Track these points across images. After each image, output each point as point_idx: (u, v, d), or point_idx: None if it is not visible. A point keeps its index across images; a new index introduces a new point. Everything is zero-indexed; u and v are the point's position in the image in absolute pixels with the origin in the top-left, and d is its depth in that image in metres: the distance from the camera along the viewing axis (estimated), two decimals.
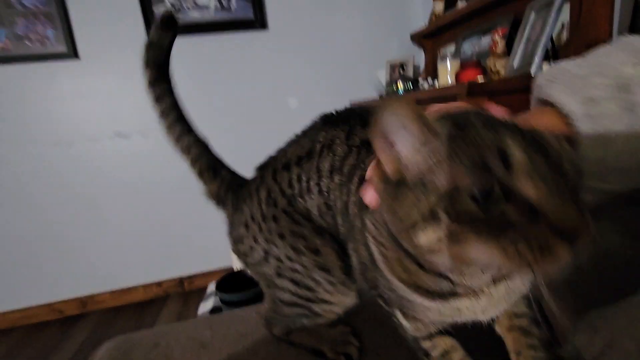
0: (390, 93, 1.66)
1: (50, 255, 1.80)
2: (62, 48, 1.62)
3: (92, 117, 1.75)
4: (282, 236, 0.45)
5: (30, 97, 1.66)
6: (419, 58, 2.04)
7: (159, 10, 1.69)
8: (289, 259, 0.45)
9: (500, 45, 1.30)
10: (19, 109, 1.66)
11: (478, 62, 1.26)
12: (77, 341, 1.66)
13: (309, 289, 0.46)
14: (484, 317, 0.33)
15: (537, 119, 0.36)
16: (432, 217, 0.24)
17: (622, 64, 0.34)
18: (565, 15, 1.19)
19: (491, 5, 1.41)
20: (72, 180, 1.77)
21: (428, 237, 0.25)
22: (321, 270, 0.45)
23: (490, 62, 1.33)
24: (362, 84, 2.03)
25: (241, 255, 0.51)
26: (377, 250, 0.34)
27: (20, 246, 1.76)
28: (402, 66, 1.87)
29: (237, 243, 0.51)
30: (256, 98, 1.89)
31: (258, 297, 1.24)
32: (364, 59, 2.03)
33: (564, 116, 0.34)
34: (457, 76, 1.30)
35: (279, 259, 0.46)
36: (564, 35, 1.19)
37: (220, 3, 1.78)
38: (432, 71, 1.85)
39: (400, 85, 1.62)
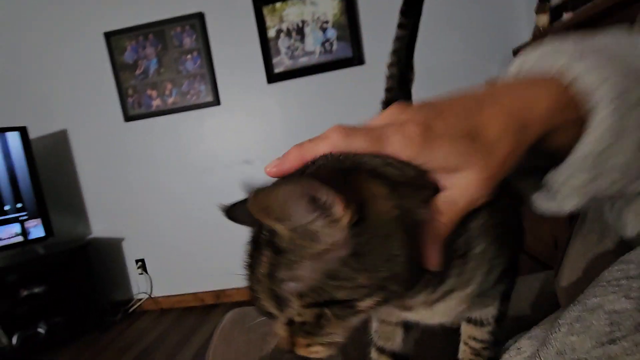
0: None
1: (196, 254, 2.33)
2: (210, 98, 2.16)
3: (228, 148, 2.24)
4: None
5: (188, 136, 2.25)
6: None
7: (278, 66, 2.10)
8: None
9: None
10: (181, 145, 2.26)
11: None
12: (213, 325, 2.10)
13: None
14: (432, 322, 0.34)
15: (517, 94, 0.27)
16: None
17: None
18: None
19: (601, 14, 1.30)
20: (214, 197, 2.27)
21: None
22: None
23: None
24: None
25: None
26: None
27: (177, 246, 2.35)
28: None
29: None
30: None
31: None
32: (464, 81, 2.03)
33: (568, 92, 0.26)
34: None
35: None
36: None
37: (324, 47, 2.07)
38: None
39: None
